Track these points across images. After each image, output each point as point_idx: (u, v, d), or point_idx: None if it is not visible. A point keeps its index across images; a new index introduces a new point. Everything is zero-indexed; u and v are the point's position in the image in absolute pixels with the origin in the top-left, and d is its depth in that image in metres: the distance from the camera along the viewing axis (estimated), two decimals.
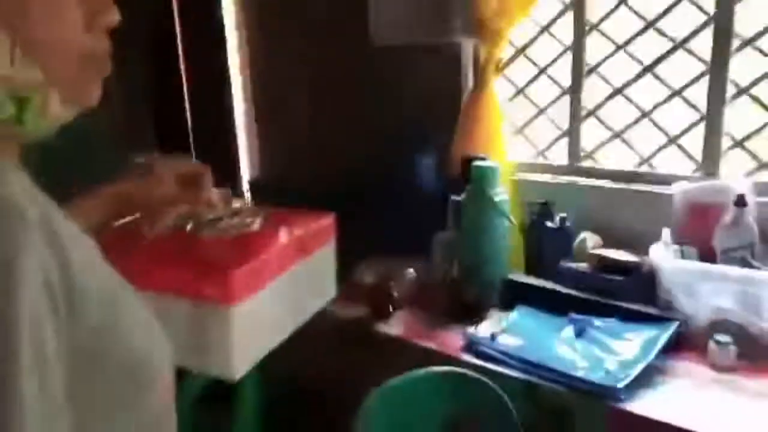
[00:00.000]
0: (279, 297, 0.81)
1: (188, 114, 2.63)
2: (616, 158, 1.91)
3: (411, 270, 1.85)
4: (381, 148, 2.13)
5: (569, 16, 1.89)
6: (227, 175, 2.50)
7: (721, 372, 1.35)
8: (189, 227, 0.87)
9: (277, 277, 0.80)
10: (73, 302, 0.48)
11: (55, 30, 0.52)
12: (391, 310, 1.71)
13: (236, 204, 0.95)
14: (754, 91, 1.64)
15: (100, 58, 0.57)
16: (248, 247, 0.80)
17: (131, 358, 0.56)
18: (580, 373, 1.30)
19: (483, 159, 1.80)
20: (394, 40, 2.11)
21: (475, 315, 1.64)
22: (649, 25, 1.77)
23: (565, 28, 1.91)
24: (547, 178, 1.98)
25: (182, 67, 2.59)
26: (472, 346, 1.47)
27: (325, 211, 0.94)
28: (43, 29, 0.51)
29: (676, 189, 1.66)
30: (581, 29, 1.88)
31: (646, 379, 1.30)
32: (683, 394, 1.27)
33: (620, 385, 1.24)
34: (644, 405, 1.22)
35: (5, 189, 0.47)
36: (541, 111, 2.01)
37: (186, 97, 2.62)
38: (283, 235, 0.83)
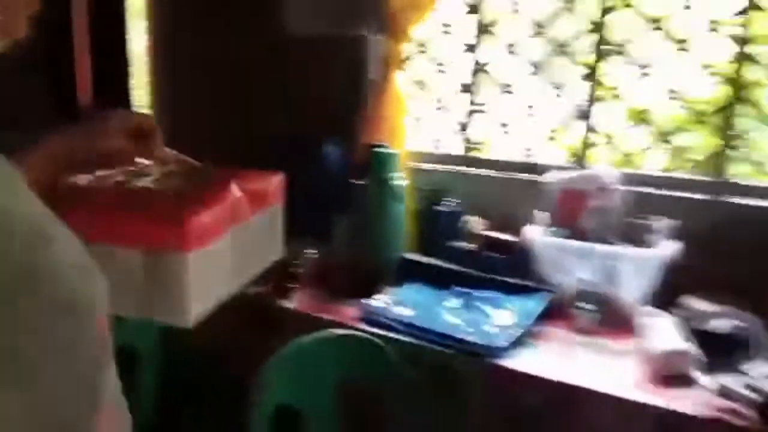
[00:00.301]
0: (231, 249, 0.81)
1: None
2: (502, 149, 2.10)
3: (313, 250, 1.94)
4: (288, 134, 2.20)
5: (468, 18, 2.06)
6: None
7: (585, 335, 1.54)
8: (139, 181, 0.85)
9: (231, 228, 0.80)
10: None
11: None
12: (293, 287, 1.79)
13: (187, 162, 0.94)
14: (620, 92, 1.86)
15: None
16: (202, 197, 0.80)
17: (61, 291, 0.57)
18: (464, 336, 1.45)
19: (384, 147, 1.93)
20: (307, 30, 2.19)
21: (372, 290, 1.76)
22: (536, 31, 1.96)
23: (463, 29, 2.08)
24: (441, 166, 2.13)
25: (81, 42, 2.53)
26: (367, 317, 1.58)
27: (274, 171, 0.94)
28: None
29: (551, 177, 1.86)
30: (478, 31, 2.05)
31: (521, 341, 1.47)
32: (552, 353, 1.45)
33: (499, 344, 1.40)
34: (519, 362, 1.39)
35: None
36: (438, 105, 2.17)
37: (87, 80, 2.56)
38: (236, 188, 0.83)
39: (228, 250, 0.80)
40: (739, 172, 1.77)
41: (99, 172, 0.83)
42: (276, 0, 2.22)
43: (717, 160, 1.76)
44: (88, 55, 2.43)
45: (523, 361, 1.39)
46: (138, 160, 0.87)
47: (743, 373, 1.33)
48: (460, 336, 1.44)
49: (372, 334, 1.48)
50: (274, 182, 0.94)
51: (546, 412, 1.31)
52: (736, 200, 1.70)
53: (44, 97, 2.40)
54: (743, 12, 1.66)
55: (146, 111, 2.63)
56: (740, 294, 1.49)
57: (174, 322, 0.76)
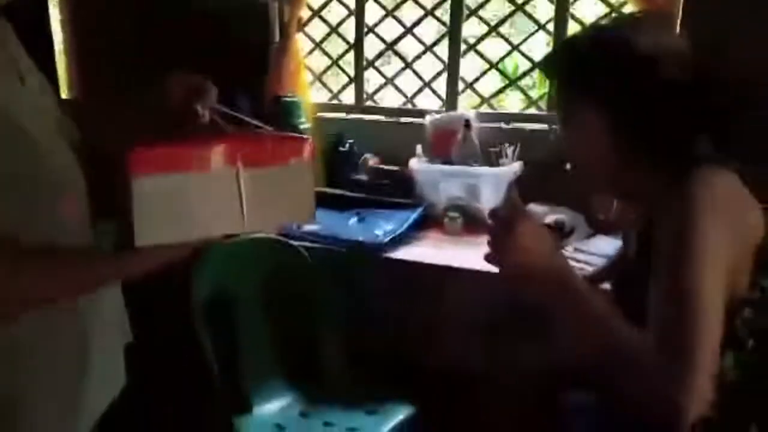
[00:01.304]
0: (198, 190, 0.85)
1: None
2: (389, 98, 2.52)
3: None
4: None
5: None
6: None
7: (452, 236, 2.01)
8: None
9: (200, 172, 0.84)
10: None
11: None
12: None
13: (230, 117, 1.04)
14: (479, 48, 2.32)
15: None
16: (188, 139, 0.89)
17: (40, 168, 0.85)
18: (358, 238, 1.87)
19: (290, 97, 2.30)
20: None
21: None
22: None
23: None
24: (340, 115, 2.53)
25: None
26: (282, 232, 1.97)
27: (298, 137, 0.95)
28: None
29: (428, 119, 2.29)
30: None
31: (404, 241, 1.92)
32: (427, 248, 1.90)
33: (384, 241, 1.84)
34: (402, 254, 1.83)
35: None
36: (334, 62, 2.55)
37: None
38: (231, 140, 0.89)
39: (198, 191, 0.85)
40: None
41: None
42: None
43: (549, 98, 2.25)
44: None
45: (402, 253, 1.84)
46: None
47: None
48: (354, 238, 1.87)
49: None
50: (291, 143, 0.92)
51: (418, 288, 1.76)
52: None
53: None
54: None
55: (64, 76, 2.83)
56: (569, 200, 1.99)
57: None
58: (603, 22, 1.14)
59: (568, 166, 1.08)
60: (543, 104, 2.26)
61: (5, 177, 0.82)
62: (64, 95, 2.74)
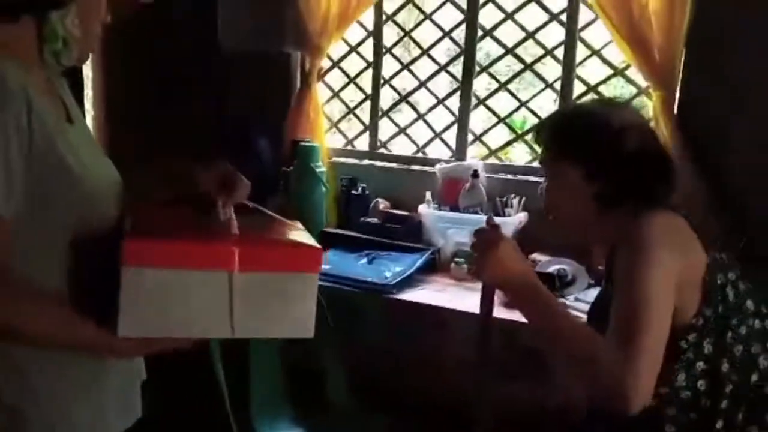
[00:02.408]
0: (187, 289, 0.83)
1: None
2: (402, 146, 2.65)
3: None
4: (228, 133, 2.64)
5: (370, 41, 2.58)
6: None
7: (458, 280, 2.09)
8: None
9: (191, 269, 0.83)
10: (32, 147, 0.85)
11: (91, 15, 0.97)
12: None
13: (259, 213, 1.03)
14: (489, 103, 2.44)
15: (97, 37, 1.00)
16: (194, 232, 0.88)
17: (80, 187, 0.91)
18: (367, 278, 1.96)
19: (307, 141, 2.42)
20: (239, 47, 2.64)
21: None
22: (423, 52, 2.52)
23: (368, 49, 2.60)
24: (353, 160, 2.64)
25: None
26: None
27: (311, 246, 0.91)
28: (88, 12, 0.96)
29: (438, 168, 2.40)
30: (379, 51, 2.58)
31: (411, 283, 2.00)
32: (433, 291, 1.99)
33: (392, 282, 1.93)
34: (408, 295, 1.92)
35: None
36: (350, 110, 2.68)
37: None
38: (231, 240, 0.87)
39: (184, 288, 0.82)
40: None
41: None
42: (215, 23, 2.66)
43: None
44: None
45: (409, 295, 1.92)
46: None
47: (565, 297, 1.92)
48: (363, 278, 1.96)
49: None
50: (303, 252, 0.88)
51: (423, 328, 1.84)
52: None
53: None
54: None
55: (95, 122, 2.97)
56: (571, 250, 2.08)
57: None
58: (583, 101, 1.41)
59: (550, 215, 1.28)
60: None
61: (42, 200, 0.89)
62: None
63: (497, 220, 2.17)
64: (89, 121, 2.87)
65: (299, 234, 0.99)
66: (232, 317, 0.86)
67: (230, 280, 0.84)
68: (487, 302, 1.25)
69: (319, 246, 0.93)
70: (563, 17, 2.26)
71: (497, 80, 2.41)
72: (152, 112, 2.75)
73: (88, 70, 2.87)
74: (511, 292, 1.15)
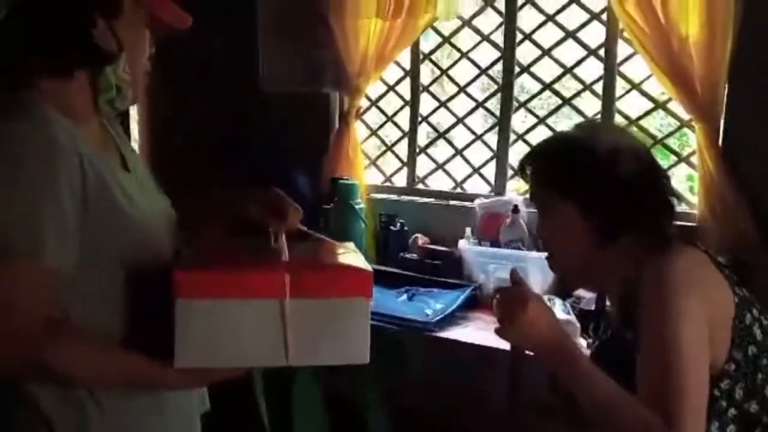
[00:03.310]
0: (239, 318, 0.84)
1: None
2: (439, 182, 2.65)
3: None
4: (269, 172, 2.68)
5: (407, 80, 2.62)
6: None
7: None
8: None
9: (242, 298, 0.84)
10: (87, 198, 0.88)
11: (139, 57, 1.00)
12: None
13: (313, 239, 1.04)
14: (526, 137, 2.44)
15: (147, 74, 1.04)
16: (242, 260, 0.89)
17: (135, 229, 0.94)
18: (408, 316, 1.95)
19: (346, 179, 2.45)
20: (280, 88, 2.71)
21: None
22: (461, 90, 2.54)
23: (405, 88, 2.63)
24: (392, 196, 2.66)
25: None
26: None
27: (362, 269, 0.90)
28: (137, 55, 1.00)
29: (477, 203, 2.40)
30: (416, 89, 2.61)
31: (452, 321, 1.98)
32: (474, 329, 1.96)
33: (433, 320, 1.91)
34: (449, 333, 1.90)
35: (52, 128, 0.88)
36: (388, 147, 2.71)
37: None
38: (281, 267, 0.87)
39: (241, 319, 0.84)
40: None
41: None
42: (256, 67, 2.73)
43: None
44: None
45: (450, 333, 1.90)
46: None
47: None
48: (404, 316, 1.94)
49: None
50: (354, 275, 0.88)
51: (466, 367, 1.81)
52: None
53: None
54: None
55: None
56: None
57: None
58: (565, 130, 1.27)
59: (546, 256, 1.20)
60: None
61: (97, 246, 0.91)
62: None
63: (538, 254, 2.17)
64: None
65: (351, 257, 0.99)
66: (285, 345, 0.86)
67: (282, 308, 0.85)
68: (516, 366, 1.18)
69: (370, 269, 0.91)
70: (601, 52, 2.26)
71: (535, 115, 2.41)
72: (189, 154, 2.82)
73: (133, 112, 2.98)
74: (543, 356, 1.02)
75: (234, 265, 0.90)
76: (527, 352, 1.04)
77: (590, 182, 1.09)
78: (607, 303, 1.96)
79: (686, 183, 2.56)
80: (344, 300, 0.87)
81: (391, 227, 2.48)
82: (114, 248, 0.95)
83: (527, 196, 2.41)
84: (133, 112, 2.99)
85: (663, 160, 2.34)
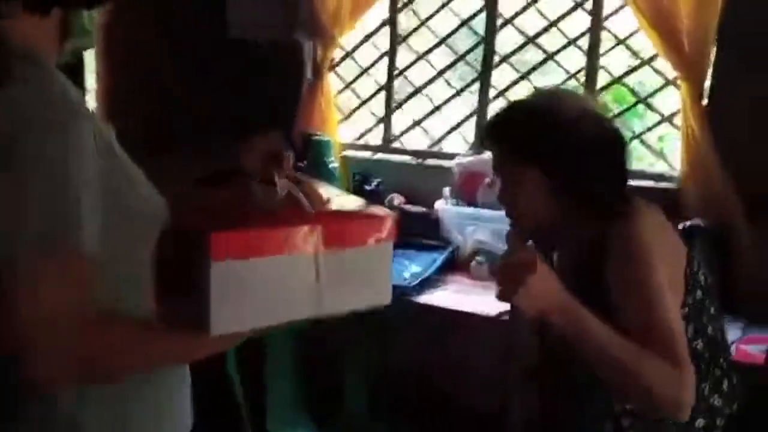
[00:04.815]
0: (275, 276, 0.81)
1: None
2: (416, 139, 2.56)
3: None
4: (236, 125, 2.55)
5: (386, 30, 2.49)
6: None
7: (479, 281, 2.01)
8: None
9: (278, 255, 0.81)
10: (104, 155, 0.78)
11: None
12: None
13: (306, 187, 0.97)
14: (507, 94, 2.35)
15: None
16: (267, 218, 0.86)
17: (136, 205, 0.84)
18: None
19: (319, 135, 2.34)
20: (250, 35, 2.55)
21: None
22: (441, 41, 2.42)
23: (383, 39, 2.50)
24: (367, 154, 2.55)
25: None
26: None
27: (385, 215, 0.89)
28: None
29: (455, 162, 2.32)
30: (395, 40, 2.48)
31: (430, 284, 1.92)
32: (453, 292, 1.90)
33: (411, 284, 1.84)
34: (428, 297, 1.84)
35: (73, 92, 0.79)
36: (363, 102, 2.59)
37: None
38: (310, 220, 0.85)
39: (278, 275, 0.81)
40: None
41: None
42: (221, 10, 2.56)
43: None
44: None
45: (429, 297, 1.84)
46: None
47: None
48: None
49: None
50: (378, 222, 0.88)
51: (444, 333, 1.76)
52: None
53: None
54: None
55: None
56: None
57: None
58: (525, 98, 1.33)
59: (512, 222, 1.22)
60: None
61: (120, 219, 0.82)
62: None
63: None
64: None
65: (353, 201, 0.98)
66: (319, 297, 0.84)
67: (317, 261, 0.83)
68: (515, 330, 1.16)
69: (390, 213, 0.92)
70: (587, 5, 2.17)
71: (517, 71, 2.32)
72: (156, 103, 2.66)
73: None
74: (553, 316, 1.02)
75: (264, 221, 0.86)
76: (527, 315, 1.03)
77: (556, 146, 1.12)
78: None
79: (659, 144, 2.51)
80: (373, 247, 0.87)
81: (366, 187, 2.39)
82: (134, 221, 0.86)
83: None
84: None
85: (642, 120, 2.30)
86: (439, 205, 2.21)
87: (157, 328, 0.86)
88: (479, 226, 2.11)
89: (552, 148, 1.12)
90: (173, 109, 2.57)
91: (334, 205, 0.95)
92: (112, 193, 0.81)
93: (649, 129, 2.22)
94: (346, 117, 2.63)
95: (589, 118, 1.15)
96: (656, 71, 2.15)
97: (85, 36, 0.87)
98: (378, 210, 0.93)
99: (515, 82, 2.34)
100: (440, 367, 1.77)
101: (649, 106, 2.20)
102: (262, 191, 0.97)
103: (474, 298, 1.85)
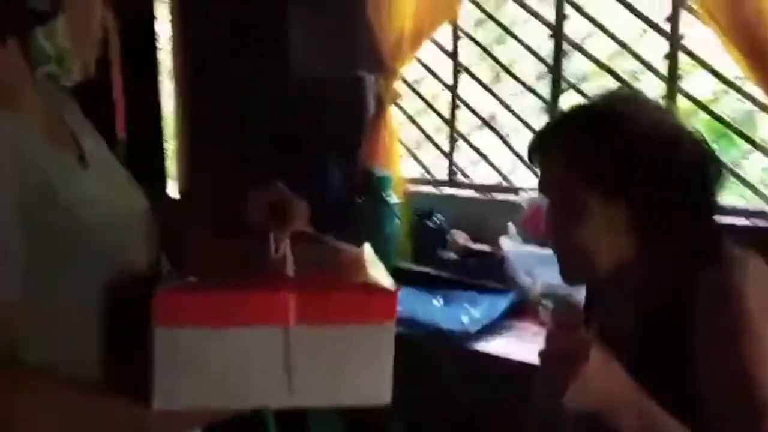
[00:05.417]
0: (234, 350, 0.70)
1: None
2: (481, 174, 2.44)
3: None
4: (300, 160, 2.52)
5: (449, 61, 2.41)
6: (154, 183, 2.79)
7: (546, 327, 1.85)
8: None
9: (238, 325, 0.69)
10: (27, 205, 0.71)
11: (85, 19, 0.82)
12: None
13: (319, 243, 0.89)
14: None
15: (98, 42, 0.86)
16: (240, 277, 0.76)
17: (72, 224, 0.76)
18: (442, 325, 1.76)
19: (380, 171, 2.27)
20: (314, 72, 2.53)
21: None
22: (505, 70, 2.31)
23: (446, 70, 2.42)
24: (430, 189, 2.46)
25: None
26: None
27: (385, 288, 0.74)
28: (81, 16, 0.81)
29: (523, 197, 2.18)
30: (456, 71, 2.40)
31: (492, 330, 1.78)
32: (518, 340, 1.76)
33: (471, 330, 1.72)
34: (489, 346, 1.70)
35: None
36: (426, 136, 2.51)
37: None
38: (287, 285, 0.73)
39: (225, 346, 0.70)
40: None
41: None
42: (285, 49, 2.56)
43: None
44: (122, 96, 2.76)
45: (490, 345, 1.70)
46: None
47: None
48: (437, 324, 1.76)
49: None
50: (378, 295, 0.72)
51: (506, 384, 1.62)
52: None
53: None
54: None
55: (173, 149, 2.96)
56: None
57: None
58: (597, 97, 1.02)
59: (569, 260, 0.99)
60: None
61: (53, 264, 0.76)
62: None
63: None
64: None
65: (370, 270, 0.81)
66: (290, 382, 0.71)
67: (286, 337, 0.70)
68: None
69: (394, 287, 0.75)
70: (664, 26, 2.00)
71: (588, 99, 2.16)
72: (219, 147, 2.69)
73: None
74: (608, 416, 0.81)
75: (227, 284, 0.74)
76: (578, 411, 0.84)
77: (639, 168, 0.87)
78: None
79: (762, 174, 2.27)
80: (362, 327, 0.72)
81: (428, 223, 2.29)
82: (72, 265, 0.78)
83: None
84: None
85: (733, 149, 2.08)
86: (504, 243, 2.07)
87: (87, 390, 0.77)
88: (549, 268, 1.95)
89: (633, 169, 0.87)
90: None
91: (358, 274, 0.79)
92: (37, 228, 0.73)
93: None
94: (410, 151, 2.54)
95: (680, 133, 0.90)
96: (747, 96, 1.94)
97: (52, 61, 0.80)
98: (383, 283, 0.75)
99: None
100: (496, 421, 1.62)
101: (742, 135, 1.98)
102: (249, 248, 0.86)
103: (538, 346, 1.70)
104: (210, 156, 2.80)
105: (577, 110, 1.01)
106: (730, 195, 2.03)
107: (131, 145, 2.76)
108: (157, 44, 2.81)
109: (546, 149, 0.97)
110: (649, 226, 0.90)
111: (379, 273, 0.80)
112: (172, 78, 2.93)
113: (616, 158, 0.88)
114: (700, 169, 0.90)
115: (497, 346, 1.71)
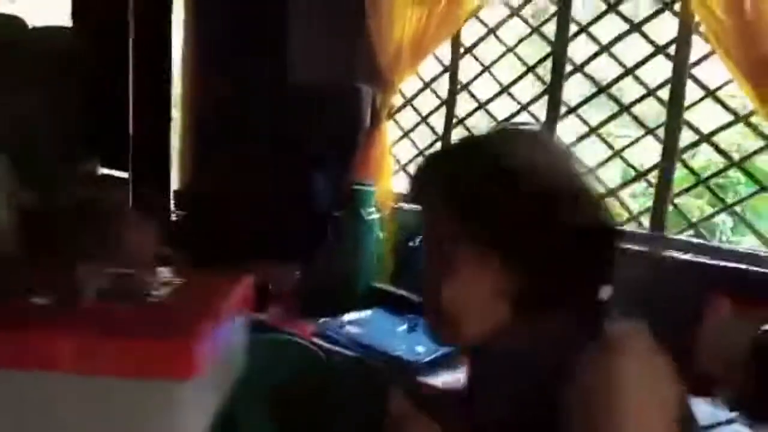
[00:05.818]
0: (34, 398, 0.65)
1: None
2: None
3: (297, 271, 2.18)
4: (286, 171, 2.47)
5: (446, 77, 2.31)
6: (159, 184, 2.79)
7: None
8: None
9: (36, 371, 0.65)
10: None
11: None
12: (266, 303, 2.02)
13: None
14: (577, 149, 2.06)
15: None
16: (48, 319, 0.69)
17: None
18: (397, 352, 1.65)
19: (364, 184, 2.18)
20: (308, 80, 2.48)
21: (340, 311, 1.98)
22: (503, 90, 2.19)
23: (443, 86, 2.33)
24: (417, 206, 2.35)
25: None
26: (319, 331, 1.81)
27: (237, 275, 0.77)
28: None
29: None
30: (454, 88, 2.30)
31: (448, 362, 1.66)
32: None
33: (422, 360, 1.60)
34: (437, 378, 1.59)
35: None
36: (420, 152, 2.41)
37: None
38: (63, 325, 0.68)
39: (19, 391, 0.66)
40: None
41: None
42: (282, 54, 2.51)
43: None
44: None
45: (440, 378, 1.59)
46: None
47: None
48: (393, 352, 1.65)
49: (320, 346, 1.71)
50: (165, 347, 0.67)
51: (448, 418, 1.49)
52: None
53: None
54: None
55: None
56: None
57: None
58: (477, 135, 0.90)
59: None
60: (646, 221, 1.93)
61: None
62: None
63: None
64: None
65: (200, 308, 0.71)
66: None
67: (60, 387, 0.63)
68: None
69: (199, 339, 0.65)
70: (671, 50, 1.85)
71: (587, 124, 2.03)
72: (216, 149, 2.66)
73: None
74: None
75: (41, 324, 0.67)
76: None
77: (524, 231, 0.74)
78: None
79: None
80: (151, 382, 0.62)
81: (411, 243, 2.18)
82: None
83: None
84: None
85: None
86: None
87: None
88: None
89: (508, 221, 0.73)
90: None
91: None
92: None
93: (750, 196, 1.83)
94: (402, 167, 2.45)
95: (572, 185, 0.75)
96: (755, 129, 1.77)
97: None
98: (200, 326, 0.67)
99: (583, 137, 2.04)
100: None
101: (745, 171, 1.81)
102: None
103: None
104: (209, 157, 2.78)
105: (460, 144, 0.91)
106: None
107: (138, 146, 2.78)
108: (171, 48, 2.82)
109: (421, 183, 0.84)
110: (523, 292, 0.75)
111: (214, 310, 0.72)
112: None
113: (491, 206, 0.74)
114: (589, 230, 0.75)
115: (444, 377, 1.59)
